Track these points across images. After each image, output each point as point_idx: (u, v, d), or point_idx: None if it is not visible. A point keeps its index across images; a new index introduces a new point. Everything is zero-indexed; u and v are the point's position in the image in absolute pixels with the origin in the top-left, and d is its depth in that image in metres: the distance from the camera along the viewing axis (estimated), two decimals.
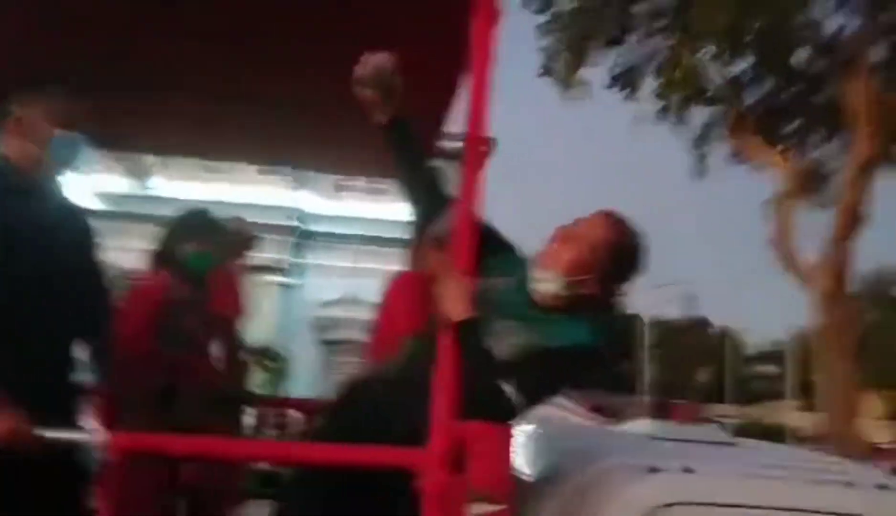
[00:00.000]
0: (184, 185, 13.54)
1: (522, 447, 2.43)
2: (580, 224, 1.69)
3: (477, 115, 1.59)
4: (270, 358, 13.15)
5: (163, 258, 2.67)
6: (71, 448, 1.55)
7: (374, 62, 1.58)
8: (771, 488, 1.62)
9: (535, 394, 1.58)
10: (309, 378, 16.54)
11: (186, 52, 2.18)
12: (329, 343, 18.64)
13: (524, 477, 1.77)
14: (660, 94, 9.68)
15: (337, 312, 16.84)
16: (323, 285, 17.57)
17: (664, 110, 9.83)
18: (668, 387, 28.22)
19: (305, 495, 1.69)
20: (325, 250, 16.82)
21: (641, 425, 3.02)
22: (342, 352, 15.88)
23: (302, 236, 18.02)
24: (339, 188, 15.66)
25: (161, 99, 2.52)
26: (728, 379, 31.28)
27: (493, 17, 1.62)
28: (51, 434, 1.43)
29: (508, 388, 1.53)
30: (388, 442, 1.52)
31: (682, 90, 9.31)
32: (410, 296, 2.48)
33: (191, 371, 2.61)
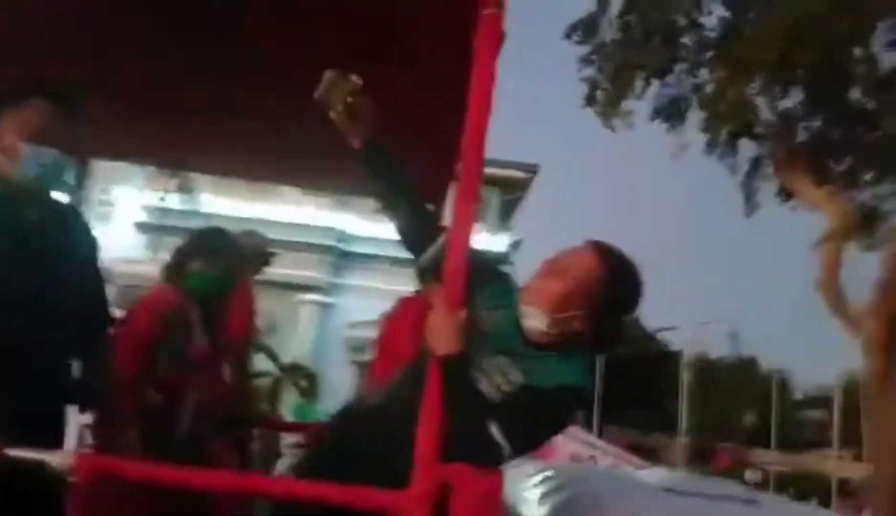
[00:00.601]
0: (229, 203, 13.87)
1: (536, 489, 2.31)
2: (567, 256, 1.58)
3: (474, 140, 1.52)
4: (303, 376, 13.19)
5: (171, 273, 2.65)
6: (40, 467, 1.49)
7: (326, 80, 1.51)
8: None
9: (523, 439, 1.48)
10: (340, 398, 16.56)
11: (235, 76, 2.24)
12: (361, 364, 18.69)
13: None
14: (705, 128, 9.46)
15: (370, 333, 16.85)
16: (358, 306, 17.63)
17: (710, 144, 9.59)
18: (711, 429, 27.31)
19: None
20: (362, 271, 16.91)
21: (662, 475, 2.87)
22: None
23: (341, 256, 18.19)
24: (379, 210, 15.79)
25: (211, 121, 2.61)
26: (774, 423, 30.11)
27: (495, 39, 1.56)
28: (16, 453, 1.38)
29: (496, 431, 1.43)
30: (369, 480, 1.44)
31: (728, 124, 9.08)
32: (412, 320, 2.41)
33: (187, 392, 2.56)
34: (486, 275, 1.65)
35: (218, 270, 2.63)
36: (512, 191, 21.91)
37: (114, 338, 2.29)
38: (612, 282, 1.53)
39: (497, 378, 1.50)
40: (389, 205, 1.69)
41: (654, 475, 2.67)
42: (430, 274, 1.63)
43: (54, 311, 1.66)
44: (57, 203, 1.78)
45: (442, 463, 1.39)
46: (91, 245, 1.86)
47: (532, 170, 21.57)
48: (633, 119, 10.03)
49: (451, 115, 1.87)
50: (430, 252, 1.61)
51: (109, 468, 1.46)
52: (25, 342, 1.56)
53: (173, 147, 3.11)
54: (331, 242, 17.60)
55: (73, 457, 1.36)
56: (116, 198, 16.80)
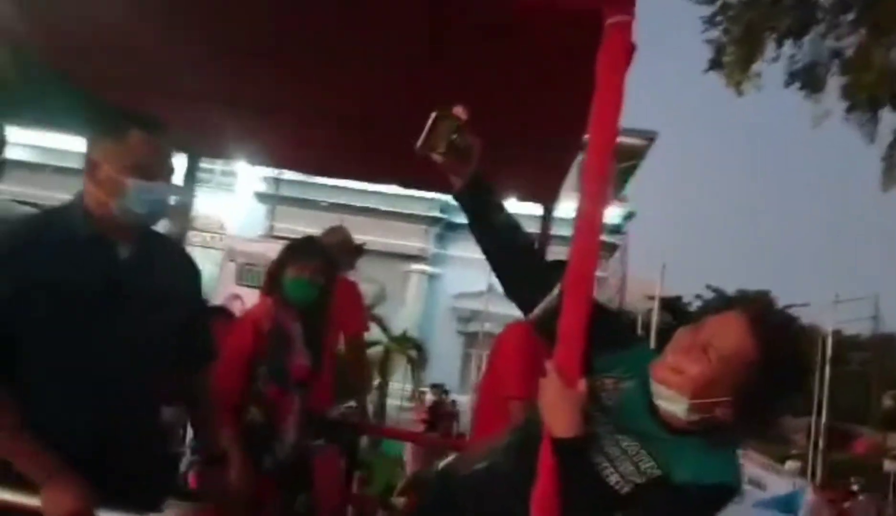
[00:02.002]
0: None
1: None
2: (713, 326, 1.28)
3: (595, 176, 1.30)
4: (413, 346, 13.43)
5: (269, 285, 2.62)
6: None
7: (430, 122, 1.34)
8: None
9: None
10: (448, 368, 16.77)
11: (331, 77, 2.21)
12: (467, 334, 18.77)
13: None
14: (846, 95, 8.52)
15: (476, 305, 16.86)
16: (465, 277, 17.65)
17: (850, 111, 8.64)
18: (847, 412, 25.42)
19: None
20: (466, 242, 16.87)
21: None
22: (480, 345, 15.89)
23: (446, 228, 18.24)
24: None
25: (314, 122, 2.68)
26: None
27: (624, 53, 1.31)
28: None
29: None
30: None
31: (872, 91, 8.11)
32: (524, 354, 2.21)
33: (290, 408, 2.52)
34: (615, 335, 1.42)
35: (311, 273, 2.58)
36: (626, 159, 21.02)
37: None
38: (768, 366, 1.23)
39: (625, 466, 1.28)
40: (492, 250, 1.47)
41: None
42: (544, 329, 1.42)
43: (152, 348, 1.60)
44: (154, 238, 1.71)
45: None
46: (190, 278, 1.78)
47: (649, 136, 20.53)
48: (762, 83, 9.19)
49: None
50: (543, 305, 1.39)
51: None
52: (118, 386, 1.51)
53: (278, 146, 3.20)
54: (436, 213, 17.68)
55: None
56: (238, 169, 17.56)
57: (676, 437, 1.29)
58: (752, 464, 7.81)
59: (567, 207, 2.51)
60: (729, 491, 1.28)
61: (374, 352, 12.75)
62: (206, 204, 20.37)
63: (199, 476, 2.15)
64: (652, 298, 19.32)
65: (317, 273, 2.59)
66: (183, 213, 3.40)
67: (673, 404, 1.27)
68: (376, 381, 11.82)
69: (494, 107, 2.22)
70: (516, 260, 1.47)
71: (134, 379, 1.55)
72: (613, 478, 1.27)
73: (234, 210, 20.57)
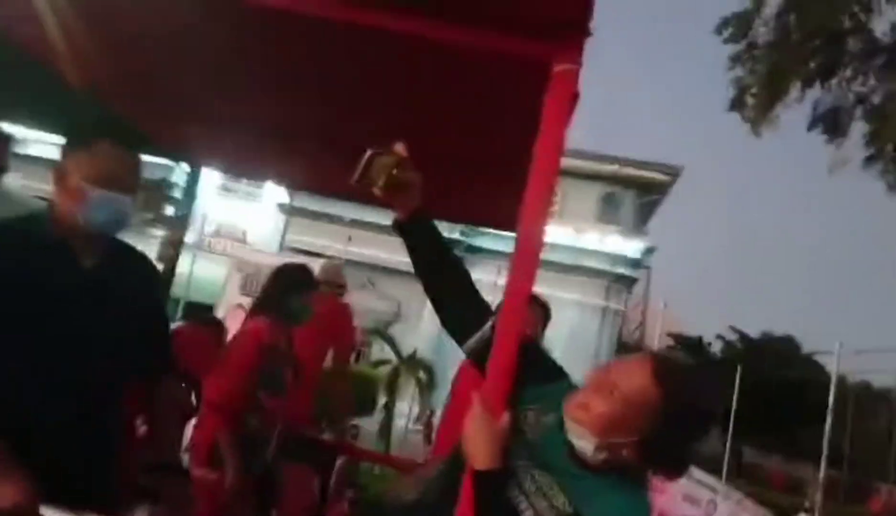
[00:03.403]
0: None
1: None
2: (619, 370, 1.32)
3: (534, 211, 1.33)
4: (422, 368, 13.37)
5: (266, 305, 2.88)
6: None
7: (364, 160, 1.39)
8: None
9: None
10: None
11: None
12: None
13: None
14: (869, 142, 8.43)
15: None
16: None
17: (871, 160, 8.54)
18: (867, 465, 24.72)
19: None
20: (483, 266, 16.88)
21: None
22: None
23: (465, 250, 18.28)
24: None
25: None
26: None
27: (567, 98, 1.36)
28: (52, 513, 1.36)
29: None
30: None
31: None
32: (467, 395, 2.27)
33: (278, 415, 2.79)
34: (539, 368, 1.45)
35: (312, 301, 2.94)
36: (649, 194, 20.93)
37: (215, 369, 2.67)
38: (669, 410, 1.25)
39: (540, 502, 1.30)
40: (429, 281, 1.50)
41: None
42: (476, 361, 1.45)
43: (108, 356, 1.64)
44: (121, 249, 1.75)
45: None
46: (151, 286, 1.84)
47: (673, 172, 20.45)
48: (781, 126, 9.14)
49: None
50: (476, 336, 1.43)
51: None
52: (79, 386, 1.55)
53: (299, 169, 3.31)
54: (456, 236, 17.73)
55: None
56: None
57: (590, 474, 1.31)
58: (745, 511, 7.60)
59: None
60: None
61: (384, 371, 12.75)
62: (230, 213, 20.75)
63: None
64: (671, 336, 19.11)
65: (312, 301, 2.95)
66: (180, 223, 3.49)
67: (582, 441, 1.30)
68: (383, 401, 11.79)
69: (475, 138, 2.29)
70: (452, 292, 1.49)
71: (91, 383, 1.58)
72: (528, 513, 1.29)
73: (258, 220, 20.88)
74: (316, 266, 3.83)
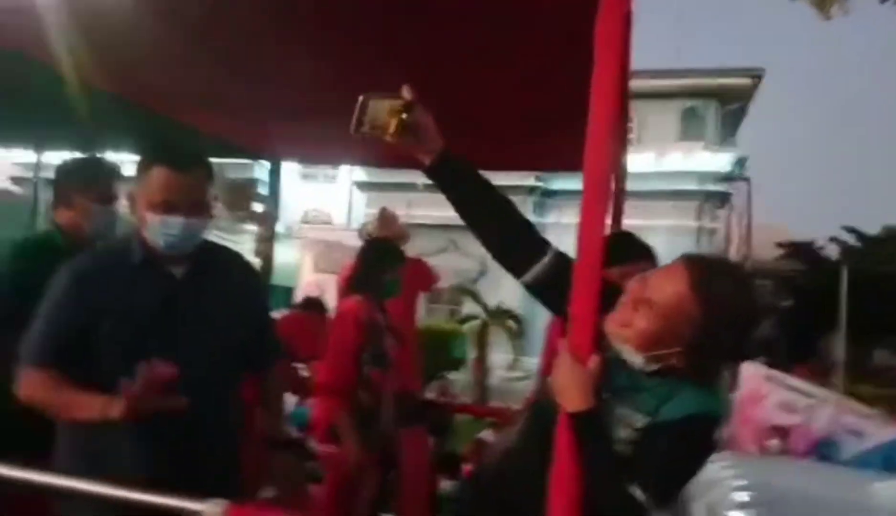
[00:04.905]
0: None
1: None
2: (654, 281, 1.30)
3: (598, 141, 1.26)
4: (511, 318, 13.39)
5: (362, 283, 2.94)
6: None
7: (359, 108, 1.33)
8: None
9: (662, 487, 1.27)
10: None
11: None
12: None
13: None
14: None
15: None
16: (564, 243, 17.26)
17: None
18: None
19: None
20: (566, 207, 16.54)
21: None
22: None
23: (543, 195, 17.96)
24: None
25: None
26: None
27: (620, 20, 1.27)
28: (158, 500, 1.39)
29: (634, 489, 1.24)
30: None
31: None
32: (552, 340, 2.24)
33: (390, 387, 2.88)
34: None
35: (399, 275, 3.03)
36: (733, 101, 19.77)
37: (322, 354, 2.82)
38: (709, 317, 1.25)
39: (621, 431, 1.31)
40: (475, 221, 1.44)
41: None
42: (536, 295, 1.42)
43: (217, 356, 1.71)
44: (211, 253, 1.80)
45: None
46: (247, 281, 1.90)
47: (755, 74, 19.16)
48: (849, 5, 8.32)
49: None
50: (534, 271, 1.40)
51: None
52: (194, 389, 1.61)
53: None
54: (532, 182, 17.41)
55: (224, 507, 1.39)
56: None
57: (652, 382, 1.31)
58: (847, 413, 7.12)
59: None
60: (711, 419, 1.31)
61: (471, 326, 12.85)
62: (315, 198, 21.28)
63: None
64: (781, 246, 18.06)
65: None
66: (270, 217, 3.67)
67: (630, 357, 1.31)
68: (472, 355, 11.88)
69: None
70: (500, 225, 1.44)
71: (207, 383, 1.65)
72: (620, 437, 1.30)
73: (340, 201, 21.33)
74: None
